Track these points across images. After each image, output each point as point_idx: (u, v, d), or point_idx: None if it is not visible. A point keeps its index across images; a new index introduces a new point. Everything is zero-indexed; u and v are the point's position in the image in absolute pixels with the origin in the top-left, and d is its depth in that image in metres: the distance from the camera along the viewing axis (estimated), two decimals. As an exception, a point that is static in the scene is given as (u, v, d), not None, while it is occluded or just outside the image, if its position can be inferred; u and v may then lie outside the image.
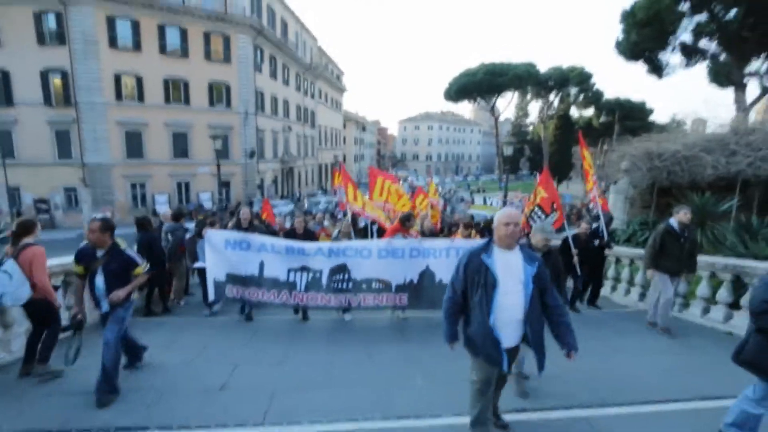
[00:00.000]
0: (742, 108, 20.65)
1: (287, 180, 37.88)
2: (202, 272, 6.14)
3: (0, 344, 4.10)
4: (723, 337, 5.15)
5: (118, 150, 24.89)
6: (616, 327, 5.66)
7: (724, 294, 5.37)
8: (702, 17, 21.00)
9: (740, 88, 20.90)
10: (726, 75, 21.30)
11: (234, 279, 5.33)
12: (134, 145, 25.37)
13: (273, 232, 6.74)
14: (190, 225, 7.08)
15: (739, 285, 5.29)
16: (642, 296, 6.92)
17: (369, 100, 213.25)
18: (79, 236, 20.06)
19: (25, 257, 3.46)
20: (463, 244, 5.42)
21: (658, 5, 18.26)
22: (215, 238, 5.35)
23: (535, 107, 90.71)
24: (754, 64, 22.50)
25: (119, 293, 3.28)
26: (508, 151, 15.50)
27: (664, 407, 3.28)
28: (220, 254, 5.30)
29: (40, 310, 3.61)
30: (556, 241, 7.37)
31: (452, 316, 2.65)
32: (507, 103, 55.47)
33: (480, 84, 43.66)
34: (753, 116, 20.86)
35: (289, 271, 5.30)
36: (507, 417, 2.94)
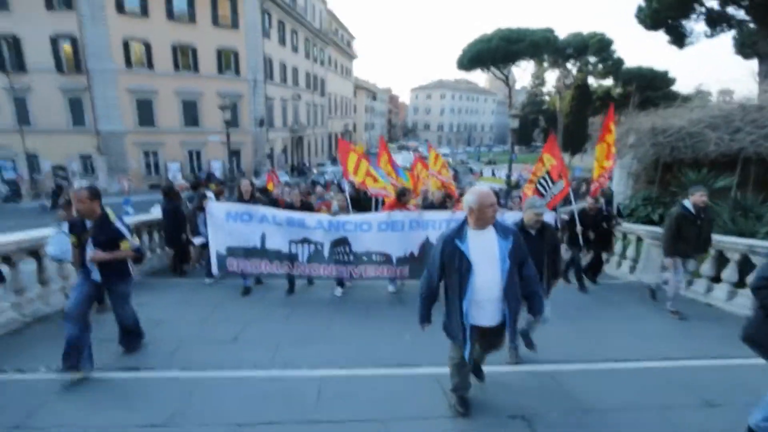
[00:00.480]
0: (766, 79, 19.86)
1: (297, 149, 38.00)
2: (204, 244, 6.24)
3: (41, 299, 4.61)
4: (707, 309, 5.45)
5: (129, 118, 25.21)
6: (608, 298, 5.96)
7: (729, 273, 5.42)
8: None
9: (766, 59, 20.01)
10: (752, 45, 20.34)
11: (235, 252, 5.33)
12: (145, 112, 25.62)
13: (275, 205, 6.87)
14: (210, 193, 7.33)
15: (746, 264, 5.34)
16: (632, 269, 7.16)
17: (380, 66, 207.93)
18: (41, 207, 20.68)
19: None
20: (461, 216, 5.32)
21: (683, -32, 17.28)
22: (216, 210, 5.31)
23: (551, 76, 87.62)
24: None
25: (99, 254, 3.27)
26: (514, 124, 15.29)
27: (617, 365, 3.65)
28: (221, 227, 5.27)
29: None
30: (564, 215, 7.56)
31: (427, 299, 2.70)
32: (522, 72, 53.97)
33: (495, 51, 42.26)
34: None
35: (290, 242, 5.33)
36: (483, 368, 3.33)
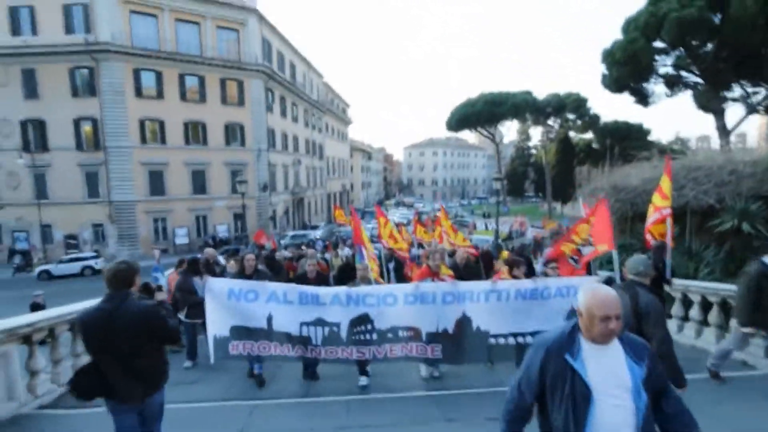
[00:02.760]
0: (723, 133, 21.95)
1: (298, 210, 39.62)
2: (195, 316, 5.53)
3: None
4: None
5: (141, 188, 26.87)
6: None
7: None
8: (680, 51, 22.70)
9: (719, 114, 22.25)
10: (706, 103, 22.71)
11: (240, 332, 4.58)
12: (156, 182, 27.36)
13: (279, 273, 6.44)
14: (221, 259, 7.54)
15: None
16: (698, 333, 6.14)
17: (374, 127, 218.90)
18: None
19: None
20: (509, 286, 4.73)
21: (634, 46, 19.97)
22: (217, 286, 4.61)
23: (537, 131, 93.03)
24: (735, 92, 23.99)
25: None
26: (497, 185, 16.82)
27: None
28: (222, 306, 4.55)
29: None
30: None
31: (514, 423, 1.92)
32: (509, 128, 57.66)
33: (480, 114, 45.69)
34: (753, 137, 21.45)
35: (301, 325, 4.61)
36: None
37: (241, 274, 5.14)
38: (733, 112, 23.83)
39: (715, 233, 7.64)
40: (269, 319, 4.58)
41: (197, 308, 5.30)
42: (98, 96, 25.41)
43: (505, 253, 12.18)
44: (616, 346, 1.73)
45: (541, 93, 55.12)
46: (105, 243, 26.85)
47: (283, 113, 35.23)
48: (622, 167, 11.66)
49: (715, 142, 23.23)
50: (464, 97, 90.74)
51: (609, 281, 4.40)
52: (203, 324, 4.90)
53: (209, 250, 6.38)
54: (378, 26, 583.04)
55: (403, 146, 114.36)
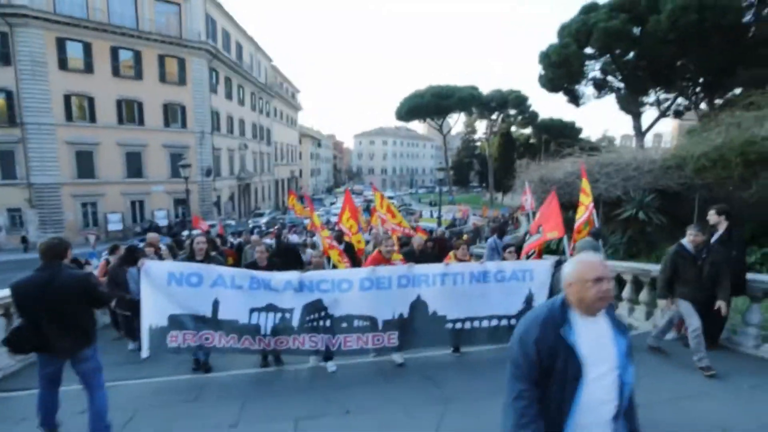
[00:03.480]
0: (639, 133, 24.77)
1: (244, 196, 38.42)
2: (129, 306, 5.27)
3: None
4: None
5: (67, 169, 24.64)
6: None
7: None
8: (607, 58, 25.08)
9: (636, 117, 25.02)
10: (626, 106, 25.37)
11: (179, 322, 4.19)
12: (85, 164, 25.23)
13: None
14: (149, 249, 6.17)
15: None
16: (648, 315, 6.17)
17: (325, 114, 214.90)
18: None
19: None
20: (460, 269, 4.72)
21: (567, 50, 21.76)
22: (155, 269, 4.19)
23: (482, 124, 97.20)
24: (650, 97, 27.05)
25: None
26: (440, 175, 17.79)
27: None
28: (160, 292, 4.15)
29: None
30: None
31: (532, 422, 1.62)
32: (456, 120, 59.60)
33: (428, 106, 46.91)
34: (669, 137, 23.97)
35: (251, 311, 4.29)
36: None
37: (191, 259, 4.57)
38: (651, 115, 26.94)
39: (619, 221, 8.93)
40: (215, 305, 4.22)
41: (128, 302, 5.12)
42: (13, 65, 22.73)
43: (465, 237, 12.85)
44: (603, 318, 1.69)
45: (486, 88, 57.61)
46: (24, 229, 24.38)
47: (229, 95, 33.76)
48: (555, 161, 13.02)
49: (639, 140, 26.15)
50: (413, 87, 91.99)
51: (559, 263, 4.67)
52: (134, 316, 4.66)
53: (152, 235, 5.81)
54: (329, 11, 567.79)
55: (353, 134, 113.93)
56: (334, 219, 18.23)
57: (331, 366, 4.67)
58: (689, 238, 4.36)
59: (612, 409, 1.63)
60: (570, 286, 1.68)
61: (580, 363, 1.59)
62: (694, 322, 4.25)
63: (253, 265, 4.93)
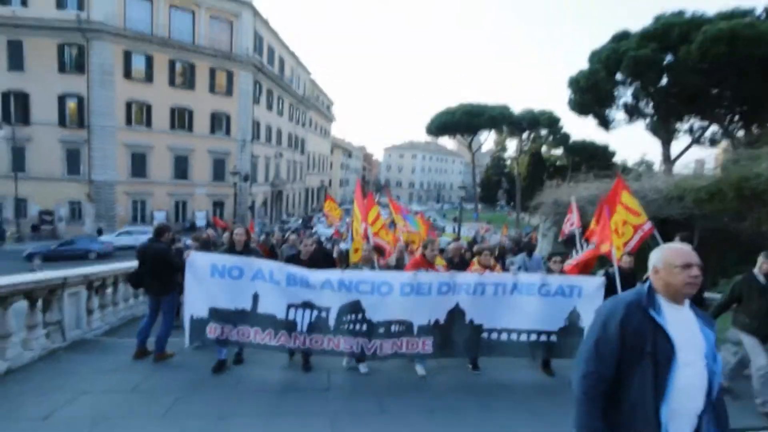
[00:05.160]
0: (666, 160, 24.68)
1: (276, 202, 40.44)
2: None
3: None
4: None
5: (123, 169, 27.20)
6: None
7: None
8: (637, 84, 25.26)
9: (666, 144, 24.96)
10: (655, 132, 25.38)
11: (219, 315, 4.27)
12: (139, 165, 27.75)
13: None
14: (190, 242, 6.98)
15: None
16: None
17: (356, 125, 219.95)
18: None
19: None
20: (495, 279, 4.61)
21: (596, 77, 22.26)
22: (200, 261, 4.30)
23: (512, 143, 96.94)
24: (685, 124, 26.87)
25: None
26: (461, 193, 18.62)
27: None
28: (203, 283, 4.27)
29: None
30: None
31: (596, 399, 1.65)
32: (486, 138, 60.07)
33: (458, 123, 47.81)
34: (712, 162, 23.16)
35: (288, 307, 4.30)
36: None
37: (231, 250, 4.65)
38: (684, 142, 26.73)
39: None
40: (255, 298, 4.28)
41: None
42: (86, 74, 25.60)
43: (480, 248, 13.61)
44: (688, 310, 1.68)
45: (517, 107, 57.93)
46: (81, 221, 27.03)
47: (269, 106, 36.04)
48: (584, 183, 13.46)
49: (679, 166, 25.79)
50: (445, 103, 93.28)
51: (606, 275, 4.62)
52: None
53: (238, 229, 5.69)
54: (365, 27, 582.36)
55: (383, 147, 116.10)
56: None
57: (363, 367, 4.72)
58: (761, 267, 4.05)
59: (700, 399, 1.58)
60: (657, 272, 1.69)
61: (672, 343, 1.56)
62: (759, 360, 3.92)
63: (294, 259, 4.91)
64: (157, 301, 4.90)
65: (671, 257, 1.65)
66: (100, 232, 25.78)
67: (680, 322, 1.62)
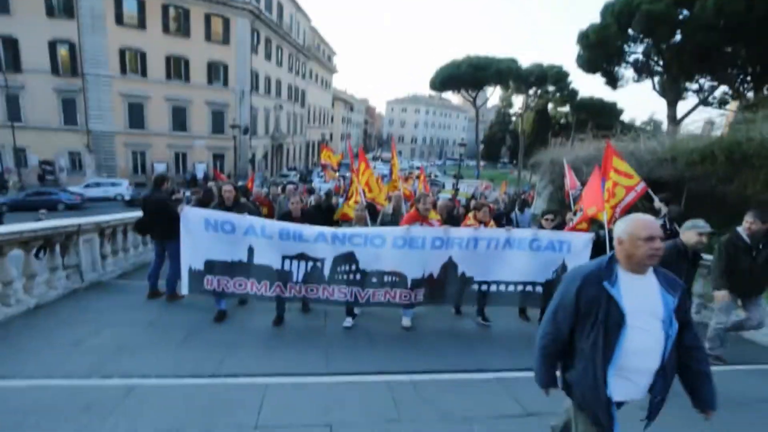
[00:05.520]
0: (672, 121, 24.33)
1: (276, 156, 40.25)
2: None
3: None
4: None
5: (121, 119, 26.91)
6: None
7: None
8: (649, 41, 24.31)
9: (672, 104, 24.49)
10: (663, 92, 24.79)
11: (216, 267, 4.41)
12: (136, 116, 27.41)
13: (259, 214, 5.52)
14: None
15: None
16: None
17: (359, 78, 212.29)
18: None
19: None
20: (488, 234, 4.74)
21: (607, 31, 21.40)
22: (193, 216, 4.39)
23: (519, 99, 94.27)
24: (694, 84, 26.14)
25: None
26: (461, 150, 18.59)
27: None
28: (198, 237, 4.36)
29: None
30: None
31: (551, 357, 1.94)
32: (491, 93, 58.39)
33: (463, 77, 46.31)
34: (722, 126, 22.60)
35: (284, 258, 4.42)
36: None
37: (221, 206, 4.70)
38: (692, 103, 26.12)
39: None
40: (250, 251, 4.40)
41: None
42: (76, 18, 24.60)
43: (479, 203, 14.17)
44: (651, 277, 1.79)
45: (524, 61, 55.93)
46: (82, 172, 27.17)
47: (268, 56, 34.82)
48: (580, 143, 13.58)
49: (687, 125, 25.25)
50: (450, 57, 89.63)
51: (597, 236, 4.76)
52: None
53: (227, 186, 5.61)
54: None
55: (386, 100, 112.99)
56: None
57: (347, 322, 4.83)
58: (745, 226, 4.08)
59: (656, 360, 1.74)
60: (621, 243, 1.78)
61: (622, 312, 1.69)
62: (722, 317, 4.20)
63: (287, 216, 4.98)
64: (162, 246, 5.28)
65: (636, 230, 1.73)
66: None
67: (637, 291, 1.75)
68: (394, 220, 5.70)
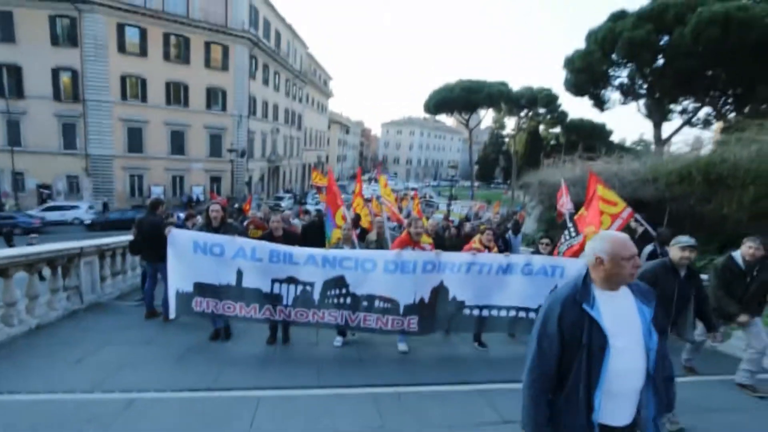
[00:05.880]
0: (658, 141, 25.08)
1: (273, 178, 40.71)
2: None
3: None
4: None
5: (119, 144, 27.34)
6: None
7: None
8: (632, 65, 25.29)
9: (657, 125, 25.29)
10: (649, 114, 25.64)
11: (204, 289, 4.37)
12: (135, 140, 27.86)
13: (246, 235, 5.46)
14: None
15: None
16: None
17: (355, 100, 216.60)
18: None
19: None
20: (488, 260, 4.70)
21: (591, 57, 22.33)
22: (181, 239, 4.38)
23: (511, 120, 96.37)
24: (679, 106, 27.06)
25: None
26: (452, 172, 19.06)
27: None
28: (186, 259, 4.34)
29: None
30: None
31: (542, 394, 1.78)
32: (485, 114, 59.72)
33: (456, 100, 47.57)
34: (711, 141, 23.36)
35: (273, 282, 4.39)
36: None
37: (208, 227, 4.69)
38: (678, 123, 27.02)
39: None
40: (239, 274, 4.36)
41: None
42: (79, 47, 25.35)
43: (483, 227, 14.67)
44: (625, 292, 1.75)
45: (515, 84, 57.41)
46: (79, 195, 27.38)
47: (266, 81, 35.77)
48: (583, 162, 13.89)
49: (676, 143, 26.08)
50: (444, 80, 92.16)
51: None
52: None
53: (214, 206, 5.80)
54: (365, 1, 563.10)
55: (381, 122, 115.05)
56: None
57: (337, 341, 4.87)
58: (745, 251, 4.01)
59: (640, 377, 1.69)
60: (602, 264, 1.71)
61: (605, 334, 1.64)
62: (758, 345, 4.03)
63: (269, 236, 4.91)
64: (153, 268, 5.49)
65: (619, 250, 1.69)
66: (105, 206, 26.23)
67: (615, 309, 1.71)
68: (378, 246, 5.70)
